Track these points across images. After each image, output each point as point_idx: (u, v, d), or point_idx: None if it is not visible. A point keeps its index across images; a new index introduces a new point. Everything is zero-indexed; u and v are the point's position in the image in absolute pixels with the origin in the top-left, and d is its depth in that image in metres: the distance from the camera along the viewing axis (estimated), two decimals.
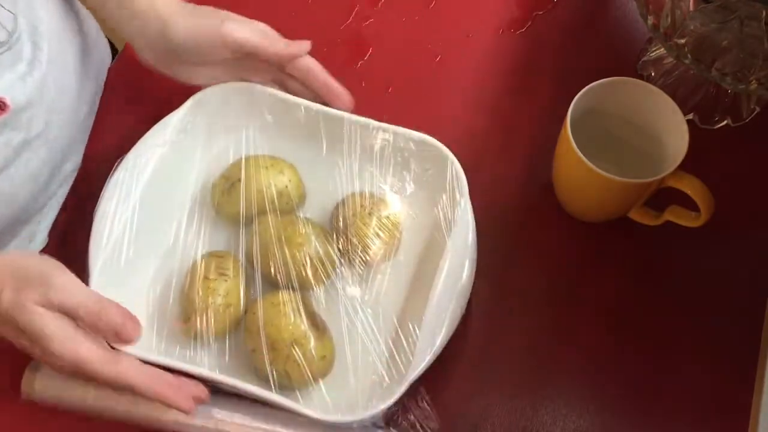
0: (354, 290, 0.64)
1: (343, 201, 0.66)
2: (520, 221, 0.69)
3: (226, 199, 0.66)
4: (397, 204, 0.67)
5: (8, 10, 0.59)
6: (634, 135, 0.66)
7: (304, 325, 0.60)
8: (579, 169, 0.60)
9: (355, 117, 0.66)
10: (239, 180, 0.66)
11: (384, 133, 0.66)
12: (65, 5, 0.70)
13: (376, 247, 0.64)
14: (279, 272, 0.62)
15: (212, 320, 0.60)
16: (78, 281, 0.55)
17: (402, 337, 0.60)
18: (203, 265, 0.63)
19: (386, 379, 0.59)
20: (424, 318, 0.59)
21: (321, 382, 0.60)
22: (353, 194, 0.66)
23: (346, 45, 0.77)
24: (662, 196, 0.63)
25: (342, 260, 0.64)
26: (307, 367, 0.58)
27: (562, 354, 0.64)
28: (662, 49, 0.72)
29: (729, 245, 0.67)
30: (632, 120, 0.65)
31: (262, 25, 0.65)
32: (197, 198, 0.68)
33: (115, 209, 0.62)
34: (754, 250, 0.66)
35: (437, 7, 0.79)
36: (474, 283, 0.61)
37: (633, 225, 0.66)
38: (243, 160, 0.67)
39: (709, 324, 0.64)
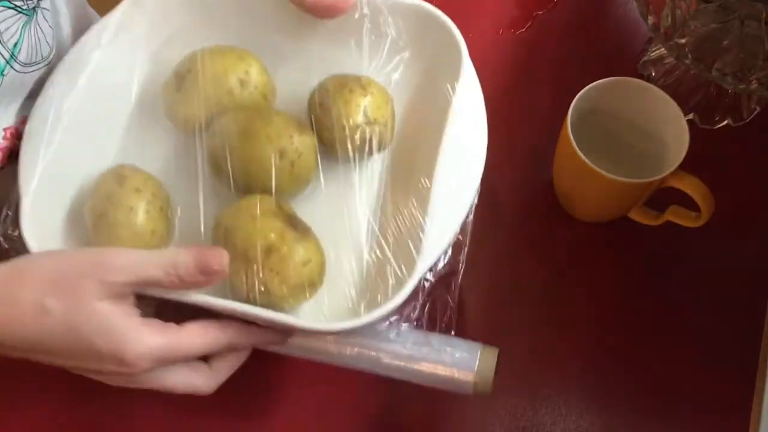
0: (342, 186, 0.54)
1: (318, 86, 0.55)
2: (520, 221, 0.69)
3: (177, 97, 0.56)
4: (385, 81, 0.57)
5: (51, 26, 0.59)
6: (635, 135, 0.66)
7: (280, 226, 0.50)
8: (579, 169, 0.60)
9: None
10: (189, 71, 0.55)
11: (361, 7, 0.56)
12: (84, 14, 0.68)
13: (364, 130, 0.54)
14: (246, 176, 0.52)
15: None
16: (125, 249, 0.49)
17: (410, 220, 0.52)
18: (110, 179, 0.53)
19: (392, 276, 0.50)
20: (431, 197, 0.50)
21: (309, 292, 0.51)
22: (330, 77, 0.56)
23: None
24: (662, 196, 0.63)
25: (325, 155, 0.54)
26: (288, 275, 0.49)
27: (561, 354, 0.64)
28: (663, 49, 0.72)
29: (729, 245, 0.67)
30: (633, 120, 0.65)
31: None
32: (143, 105, 0.59)
33: (48, 126, 0.54)
34: (754, 250, 0.66)
35: (437, 8, 0.79)
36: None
37: (633, 225, 0.66)
38: (193, 52, 0.56)
39: (709, 324, 0.64)
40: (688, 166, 0.59)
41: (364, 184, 0.55)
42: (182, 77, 0.55)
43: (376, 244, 0.53)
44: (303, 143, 0.53)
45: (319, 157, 0.54)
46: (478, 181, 0.53)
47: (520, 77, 0.76)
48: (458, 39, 0.56)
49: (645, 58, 0.74)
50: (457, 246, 0.53)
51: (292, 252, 0.49)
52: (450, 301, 0.52)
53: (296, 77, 0.57)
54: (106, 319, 0.45)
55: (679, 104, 0.62)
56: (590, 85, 0.62)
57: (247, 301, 0.50)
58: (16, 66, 0.56)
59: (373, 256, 0.53)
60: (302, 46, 0.57)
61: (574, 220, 0.68)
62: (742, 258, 0.66)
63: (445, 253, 0.51)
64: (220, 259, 0.48)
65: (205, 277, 0.47)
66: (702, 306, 0.65)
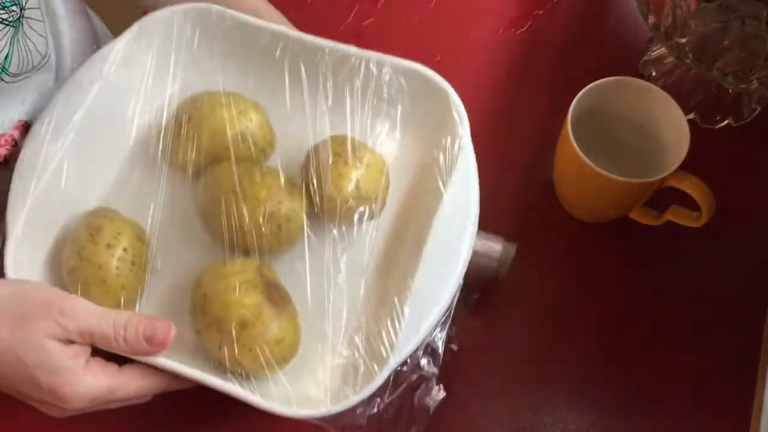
0: (328, 256, 0.54)
1: (315, 148, 0.55)
2: (520, 221, 0.69)
3: (175, 143, 0.56)
4: (383, 151, 0.57)
5: (41, 35, 0.59)
6: (635, 135, 0.66)
7: (258, 301, 0.50)
8: (580, 169, 0.60)
9: (333, 44, 0.58)
10: (189, 120, 0.55)
11: (368, 65, 0.57)
12: (83, 11, 0.68)
13: (354, 203, 0.54)
14: (233, 233, 0.52)
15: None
16: (87, 301, 0.50)
17: (385, 313, 0.51)
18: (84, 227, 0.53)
19: (363, 365, 0.50)
20: (412, 290, 0.50)
21: (281, 368, 0.51)
22: (328, 139, 0.55)
23: (346, 44, 0.77)
24: (663, 196, 0.63)
25: (313, 219, 0.54)
26: (260, 354, 0.49)
27: (562, 354, 0.64)
28: (663, 49, 0.72)
29: (730, 245, 0.66)
30: (633, 120, 0.65)
31: None
32: (140, 145, 0.58)
33: (39, 163, 0.53)
34: (755, 250, 0.66)
35: (437, 7, 0.79)
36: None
37: (633, 225, 0.66)
38: (194, 97, 0.57)
39: (709, 324, 0.64)
40: (688, 166, 0.59)
41: (348, 253, 0.55)
42: (181, 124, 0.55)
43: (352, 326, 0.53)
44: (292, 209, 0.53)
45: (306, 222, 0.53)
46: (461, 277, 0.52)
47: (520, 77, 0.75)
48: (461, 113, 0.56)
49: (645, 58, 0.74)
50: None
51: (267, 330, 0.49)
52: (428, 403, 0.53)
53: (295, 129, 0.57)
54: (51, 358, 0.47)
55: (680, 104, 0.62)
56: (590, 85, 0.62)
57: (217, 365, 0.51)
58: (6, 78, 0.56)
59: (347, 337, 0.53)
60: (305, 98, 0.57)
61: (574, 220, 0.68)
62: (742, 258, 0.66)
63: (428, 339, 0.51)
64: (167, 332, 0.49)
65: (149, 346, 0.49)
66: (702, 306, 0.65)
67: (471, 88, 0.75)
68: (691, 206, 0.62)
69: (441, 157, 0.55)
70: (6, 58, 0.55)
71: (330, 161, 0.53)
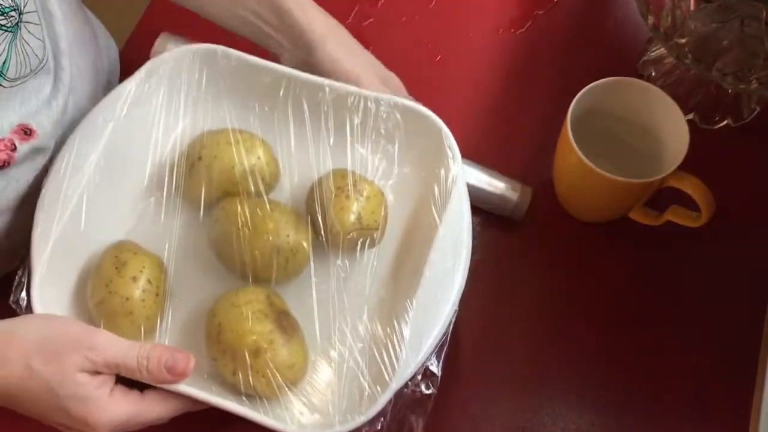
0: (331, 284, 0.57)
1: (318, 182, 0.58)
2: (520, 221, 0.69)
3: (186, 181, 0.59)
4: (381, 184, 0.60)
5: (38, 38, 0.59)
6: (635, 135, 0.66)
7: (269, 329, 0.53)
8: (579, 169, 0.60)
9: (333, 83, 0.60)
10: (200, 159, 0.58)
11: (366, 102, 0.59)
12: (80, 12, 0.67)
13: (356, 234, 0.56)
14: (244, 265, 0.56)
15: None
16: (112, 335, 0.53)
17: (386, 337, 0.54)
18: (108, 259, 0.56)
19: (367, 387, 0.53)
20: (411, 315, 0.53)
21: (292, 391, 0.54)
22: (330, 174, 0.58)
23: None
24: (663, 196, 0.63)
25: (318, 249, 0.57)
26: (272, 379, 0.52)
27: (561, 354, 0.64)
28: (663, 49, 0.72)
29: (729, 245, 0.67)
30: (632, 120, 0.65)
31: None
32: (154, 180, 0.61)
33: (60, 200, 0.56)
34: (754, 250, 0.66)
35: (437, 7, 0.79)
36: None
37: (633, 225, 0.66)
38: (204, 135, 0.60)
39: (709, 324, 0.64)
40: (688, 166, 0.59)
41: (351, 280, 0.58)
42: (192, 164, 0.59)
43: (357, 349, 0.56)
44: (298, 243, 0.56)
45: (311, 252, 0.57)
46: (456, 304, 0.55)
47: (520, 77, 0.75)
48: (454, 149, 0.59)
49: (645, 58, 0.74)
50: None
51: (278, 356, 0.53)
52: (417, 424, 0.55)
53: (299, 163, 0.61)
54: (81, 388, 0.50)
55: (679, 104, 0.62)
56: (590, 85, 0.62)
57: (231, 388, 0.54)
58: (5, 83, 0.56)
59: (352, 360, 0.55)
60: (309, 133, 0.61)
61: (574, 220, 0.68)
62: (742, 258, 0.66)
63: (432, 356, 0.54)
64: (187, 363, 0.52)
65: (170, 376, 0.52)
66: (702, 306, 0.65)
67: (471, 88, 0.75)
68: (690, 206, 0.62)
69: (436, 189, 0.57)
70: (4, 63, 0.55)
71: (332, 195, 0.57)
